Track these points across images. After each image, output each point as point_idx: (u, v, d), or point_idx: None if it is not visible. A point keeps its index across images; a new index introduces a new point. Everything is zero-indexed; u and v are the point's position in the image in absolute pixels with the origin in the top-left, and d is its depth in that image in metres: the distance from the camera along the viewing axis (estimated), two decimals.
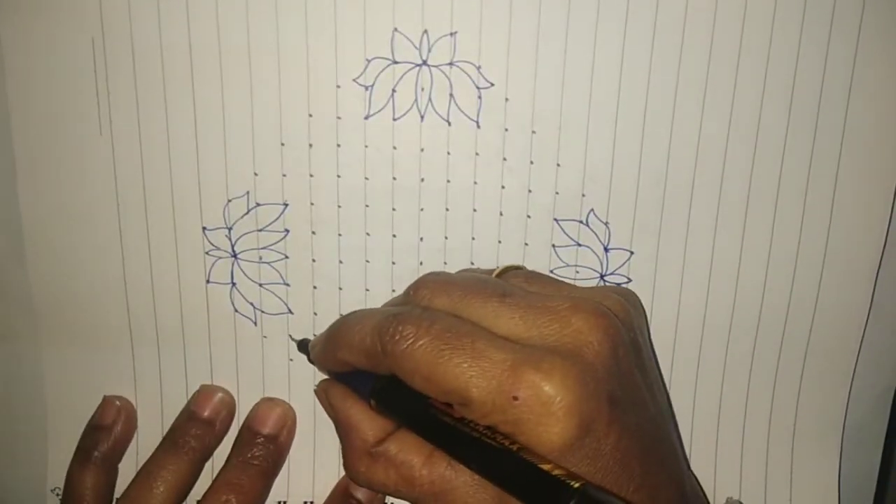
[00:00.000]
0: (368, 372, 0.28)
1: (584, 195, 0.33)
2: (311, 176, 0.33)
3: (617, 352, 0.26)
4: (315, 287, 0.34)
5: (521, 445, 0.24)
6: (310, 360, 0.33)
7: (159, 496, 0.32)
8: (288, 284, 0.34)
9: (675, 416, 0.34)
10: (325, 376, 0.32)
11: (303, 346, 0.34)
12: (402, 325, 0.26)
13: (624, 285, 0.34)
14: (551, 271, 0.34)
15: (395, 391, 0.27)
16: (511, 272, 0.30)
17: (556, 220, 0.34)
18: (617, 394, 0.25)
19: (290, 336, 0.35)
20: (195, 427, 0.33)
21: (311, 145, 0.33)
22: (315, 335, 0.34)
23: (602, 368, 0.25)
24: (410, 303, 0.29)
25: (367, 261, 0.34)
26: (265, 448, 0.34)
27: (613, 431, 0.25)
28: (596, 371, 0.25)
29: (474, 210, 0.34)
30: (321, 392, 0.32)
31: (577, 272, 0.34)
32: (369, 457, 0.28)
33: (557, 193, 0.33)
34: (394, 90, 0.32)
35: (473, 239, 0.34)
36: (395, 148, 0.33)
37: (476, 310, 0.27)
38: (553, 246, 0.34)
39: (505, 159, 0.33)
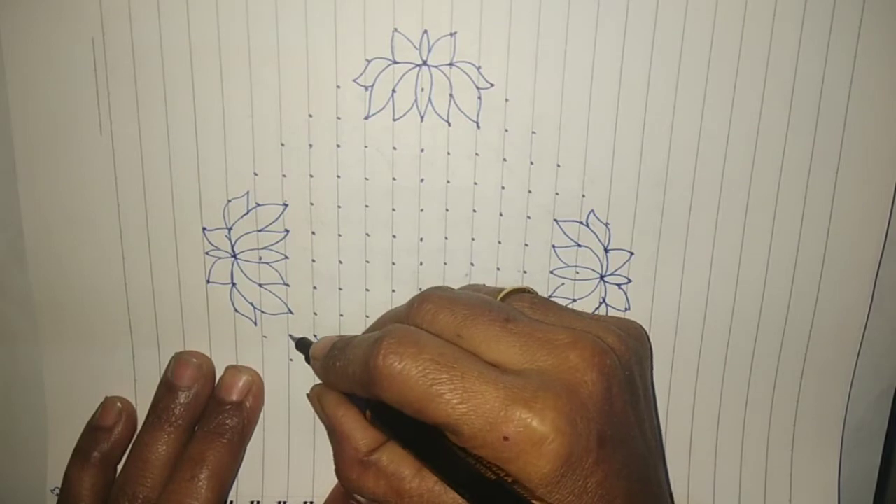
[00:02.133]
0: None
1: (584, 196, 0.33)
2: (311, 176, 0.33)
3: (611, 391, 0.26)
4: (315, 287, 0.34)
5: (514, 478, 0.25)
6: (307, 360, 0.33)
7: (154, 473, 0.32)
8: (288, 284, 0.34)
9: (665, 453, 0.35)
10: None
11: (301, 345, 0.34)
12: (387, 356, 0.26)
13: (624, 286, 0.34)
14: (551, 272, 0.34)
15: (391, 408, 0.27)
16: (517, 295, 0.30)
17: (556, 220, 0.34)
18: (606, 433, 0.25)
19: (290, 335, 0.35)
20: (177, 398, 0.33)
21: (310, 145, 0.33)
22: (315, 336, 0.34)
23: (594, 408, 0.25)
24: (412, 315, 0.28)
25: (367, 261, 0.34)
26: (231, 417, 0.33)
27: (600, 470, 0.25)
28: (588, 410, 0.25)
29: (474, 210, 0.34)
30: (314, 398, 0.32)
31: (577, 273, 0.34)
32: (360, 465, 0.29)
33: (557, 194, 0.33)
34: (394, 90, 0.32)
35: (473, 239, 0.34)
36: (394, 148, 0.33)
37: (478, 332, 0.27)
38: (553, 246, 0.34)
39: (505, 160, 0.33)
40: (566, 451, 0.24)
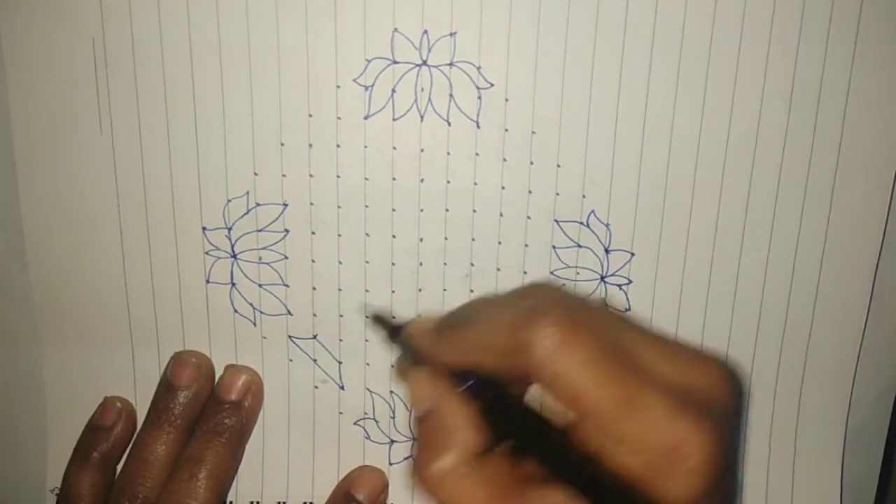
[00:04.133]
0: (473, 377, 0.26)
1: (584, 196, 0.33)
2: (311, 176, 0.33)
3: (738, 407, 0.26)
4: (314, 288, 0.34)
5: (654, 491, 0.23)
6: (392, 338, 0.31)
7: (153, 473, 0.32)
8: (287, 285, 0.34)
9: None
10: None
11: (380, 320, 0.32)
12: (558, 321, 0.23)
13: (624, 286, 0.34)
14: (552, 272, 0.34)
15: (508, 405, 0.25)
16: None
17: (556, 221, 0.34)
18: (738, 451, 0.25)
19: (367, 313, 0.34)
20: (176, 398, 0.33)
21: (310, 145, 0.33)
22: (316, 335, 0.34)
23: (727, 427, 0.24)
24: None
25: (367, 261, 0.34)
26: (230, 416, 0.33)
27: (732, 484, 0.24)
28: (724, 428, 0.24)
29: (474, 211, 0.33)
30: (424, 382, 0.27)
31: (578, 273, 0.34)
32: (463, 468, 0.25)
33: (558, 194, 0.33)
34: (394, 90, 0.32)
35: (473, 240, 0.34)
36: (394, 148, 0.33)
37: (616, 334, 0.25)
38: (553, 247, 0.34)
39: (505, 160, 0.33)
40: (717, 472, 0.23)
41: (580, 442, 0.23)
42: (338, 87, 0.32)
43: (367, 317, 0.34)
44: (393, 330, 0.31)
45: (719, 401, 0.24)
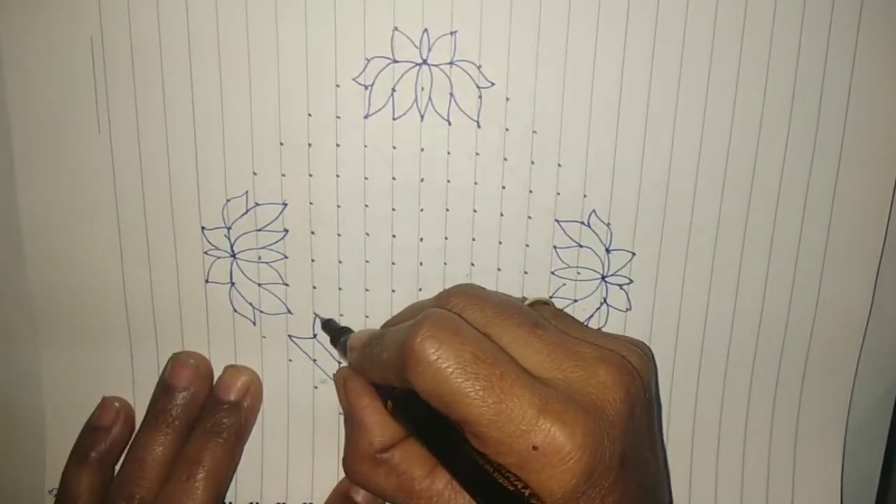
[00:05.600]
0: None
1: (585, 196, 0.33)
2: (311, 175, 0.33)
3: (634, 411, 0.26)
4: (314, 287, 0.34)
5: (533, 490, 0.24)
6: (332, 342, 0.33)
7: (151, 474, 0.32)
8: (287, 284, 0.34)
9: (669, 471, 0.35)
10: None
11: (328, 326, 0.34)
12: (424, 339, 0.25)
13: (625, 286, 0.34)
14: (552, 272, 0.34)
15: (416, 401, 0.26)
16: (538, 305, 0.30)
17: (557, 220, 0.33)
18: (627, 453, 0.25)
19: (316, 314, 0.34)
20: (174, 398, 0.33)
21: (310, 145, 0.33)
22: (315, 335, 0.34)
23: (619, 427, 0.25)
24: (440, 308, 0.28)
25: (367, 261, 0.34)
26: (228, 416, 0.33)
27: (617, 490, 0.25)
28: (614, 429, 0.25)
29: (475, 210, 0.33)
30: (340, 381, 0.31)
31: (579, 273, 0.34)
32: (373, 460, 0.28)
33: (558, 194, 0.33)
34: (393, 89, 0.32)
35: (474, 240, 0.34)
36: (394, 147, 0.33)
37: (507, 333, 0.26)
38: (554, 247, 0.34)
39: (505, 159, 0.33)
40: (590, 469, 0.24)
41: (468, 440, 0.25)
42: (337, 86, 0.32)
43: (317, 317, 0.34)
44: (335, 335, 0.33)
45: (604, 401, 0.25)
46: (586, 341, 0.27)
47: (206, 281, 0.34)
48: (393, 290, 0.34)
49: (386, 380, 0.28)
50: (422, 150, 0.33)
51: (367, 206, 0.33)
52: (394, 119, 0.32)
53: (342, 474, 0.35)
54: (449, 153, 0.33)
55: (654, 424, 0.28)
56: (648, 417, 0.27)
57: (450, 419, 0.26)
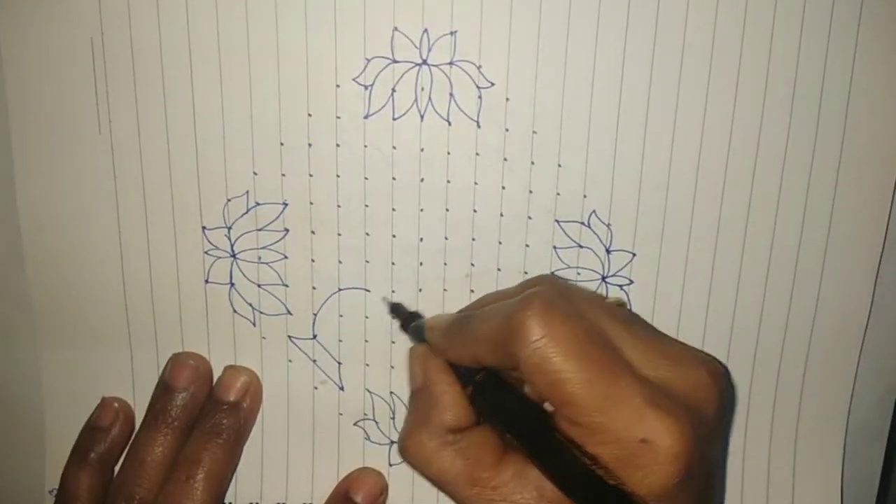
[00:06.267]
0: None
1: (585, 196, 0.33)
2: (311, 175, 0.33)
3: (722, 413, 0.25)
4: (314, 287, 0.34)
5: (629, 484, 0.23)
6: (403, 327, 0.32)
7: (150, 474, 0.32)
8: (287, 285, 0.34)
9: None
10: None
11: (397, 311, 0.33)
12: (536, 314, 0.24)
13: (625, 287, 0.34)
14: (552, 273, 0.34)
15: (500, 387, 0.26)
16: (619, 307, 0.29)
17: (557, 221, 0.33)
18: (717, 455, 0.25)
19: (384, 298, 0.34)
20: (173, 399, 0.33)
21: (310, 145, 0.33)
22: (316, 335, 0.34)
23: (714, 429, 0.25)
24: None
25: (367, 261, 0.34)
26: (227, 417, 0.33)
27: (702, 492, 0.24)
28: (710, 430, 0.24)
29: (475, 210, 0.33)
30: (419, 357, 0.30)
31: (579, 274, 0.34)
32: (442, 439, 0.27)
33: (558, 194, 0.33)
34: (393, 89, 0.32)
35: (474, 240, 0.34)
36: (394, 148, 0.33)
37: (603, 325, 0.25)
38: (554, 247, 0.34)
39: (506, 159, 0.33)
40: (687, 468, 0.23)
41: (560, 428, 0.24)
42: (337, 86, 0.32)
43: (385, 301, 0.34)
44: (406, 319, 0.33)
45: (702, 402, 0.24)
46: (674, 341, 0.26)
47: (206, 281, 0.34)
48: (393, 290, 0.34)
49: (476, 357, 0.27)
50: (422, 150, 0.33)
51: (367, 206, 0.33)
52: (394, 119, 0.32)
53: (342, 474, 0.35)
54: (449, 153, 0.33)
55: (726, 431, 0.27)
56: (727, 424, 0.27)
57: (542, 404, 0.25)
